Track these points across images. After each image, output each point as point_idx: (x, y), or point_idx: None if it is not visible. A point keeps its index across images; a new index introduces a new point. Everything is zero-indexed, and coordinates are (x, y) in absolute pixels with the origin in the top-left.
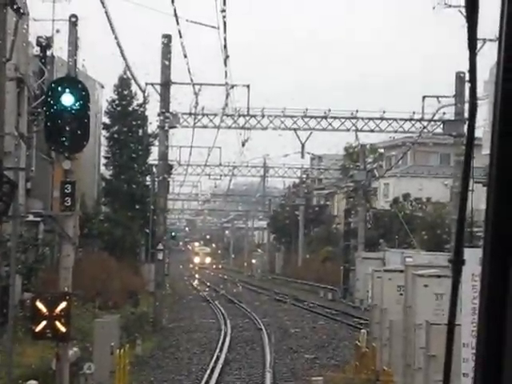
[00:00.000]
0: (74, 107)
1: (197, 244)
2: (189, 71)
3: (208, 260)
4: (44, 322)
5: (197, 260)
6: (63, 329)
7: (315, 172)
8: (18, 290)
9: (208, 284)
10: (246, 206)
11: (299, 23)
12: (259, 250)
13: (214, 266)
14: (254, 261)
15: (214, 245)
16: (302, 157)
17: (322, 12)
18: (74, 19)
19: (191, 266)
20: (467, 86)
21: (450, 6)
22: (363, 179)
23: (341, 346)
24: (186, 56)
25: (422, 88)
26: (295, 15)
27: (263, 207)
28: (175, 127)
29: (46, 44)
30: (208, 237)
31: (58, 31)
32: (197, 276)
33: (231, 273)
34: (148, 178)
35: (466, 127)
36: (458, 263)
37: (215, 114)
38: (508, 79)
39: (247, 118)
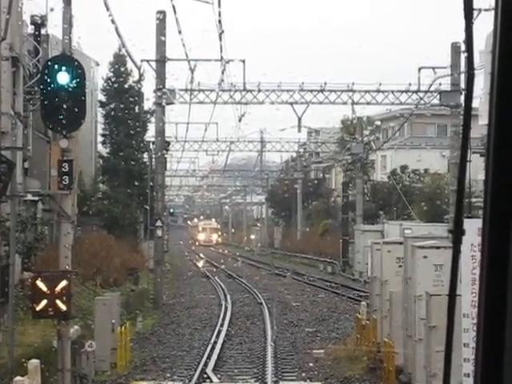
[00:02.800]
0: (70, 85)
1: (196, 220)
2: (184, 47)
3: (215, 237)
4: (45, 301)
5: (201, 237)
6: (64, 307)
7: (312, 145)
8: (17, 270)
9: (207, 260)
10: (244, 180)
11: None
12: (258, 225)
13: (215, 242)
14: (252, 236)
15: (213, 220)
16: (299, 131)
17: None
18: None
19: (190, 242)
20: (463, 56)
21: None
22: (360, 152)
23: (341, 318)
24: (180, 32)
25: (418, 59)
26: None
27: (261, 182)
28: (172, 103)
29: (40, 22)
30: (208, 212)
31: (52, 9)
32: (196, 252)
33: (230, 248)
34: (146, 155)
35: (462, 98)
36: (458, 233)
37: (211, 90)
38: (505, 49)
39: (243, 92)
